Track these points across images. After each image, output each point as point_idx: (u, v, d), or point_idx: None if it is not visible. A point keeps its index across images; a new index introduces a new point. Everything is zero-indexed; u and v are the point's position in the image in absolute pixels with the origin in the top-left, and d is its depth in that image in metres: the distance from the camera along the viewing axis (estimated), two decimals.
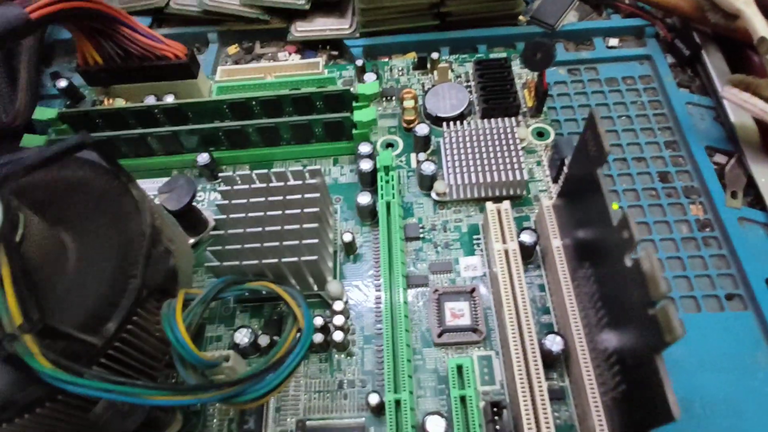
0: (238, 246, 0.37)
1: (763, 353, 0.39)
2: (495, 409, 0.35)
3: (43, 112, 0.49)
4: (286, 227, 0.38)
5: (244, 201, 0.40)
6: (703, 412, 0.38)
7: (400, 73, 0.56)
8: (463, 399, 0.34)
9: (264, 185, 0.41)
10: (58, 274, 0.32)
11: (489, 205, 0.42)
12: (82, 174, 0.37)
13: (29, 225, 0.31)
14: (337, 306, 0.39)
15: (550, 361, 0.37)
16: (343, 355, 0.39)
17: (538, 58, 0.44)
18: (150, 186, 0.49)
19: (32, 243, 0.31)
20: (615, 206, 0.30)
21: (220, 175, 0.41)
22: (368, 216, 0.45)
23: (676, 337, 0.23)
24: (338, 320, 0.39)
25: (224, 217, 0.39)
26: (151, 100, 0.52)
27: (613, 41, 0.58)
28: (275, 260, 0.37)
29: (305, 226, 0.38)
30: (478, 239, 0.44)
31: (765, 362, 0.39)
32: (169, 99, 0.52)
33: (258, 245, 0.37)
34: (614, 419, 0.32)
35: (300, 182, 0.40)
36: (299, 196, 0.40)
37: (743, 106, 0.45)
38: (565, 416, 0.36)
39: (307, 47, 0.61)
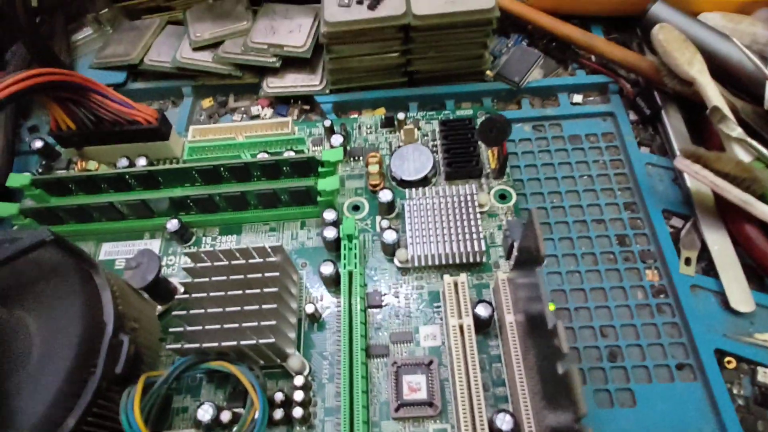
0: (199, 327, 0.39)
1: (709, 426, 0.40)
2: None
3: (15, 179, 0.50)
4: (246, 308, 0.39)
5: (206, 280, 0.41)
6: None
7: (369, 131, 0.57)
8: None
9: (227, 263, 0.42)
10: (16, 369, 0.33)
11: (446, 278, 0.43)
12: (45, 260, 0.38)
13: None
14: (298, 381, 0.40)
15: None
16: (304, 428, 0.40)
17: (493, 135, 0.45)
18: (121, 249, 0.51)
19: None
20: (552, 307, 0.32)
21: (185, 252, 0.42)
22: (332, 284, 0.46)
23: None
24: (298, 396, 0.40)
25: (187, 296, 0.40)
26: (123, 163, 0.54)
27: (578, 97, 0.59)
28: (234, 343, 0.38)
29: (264, 306, 0.39)
30: (438, 307, 0.45)
31: None
32: (141, 162, 0.53)
33: (218, 326, 0.39)
34: None
35: (261, 260, 0.42)
36: (260, 275, 0.41)
37: (695, 177, 0.46)
38: None
39: (280, 101, 0.62)
